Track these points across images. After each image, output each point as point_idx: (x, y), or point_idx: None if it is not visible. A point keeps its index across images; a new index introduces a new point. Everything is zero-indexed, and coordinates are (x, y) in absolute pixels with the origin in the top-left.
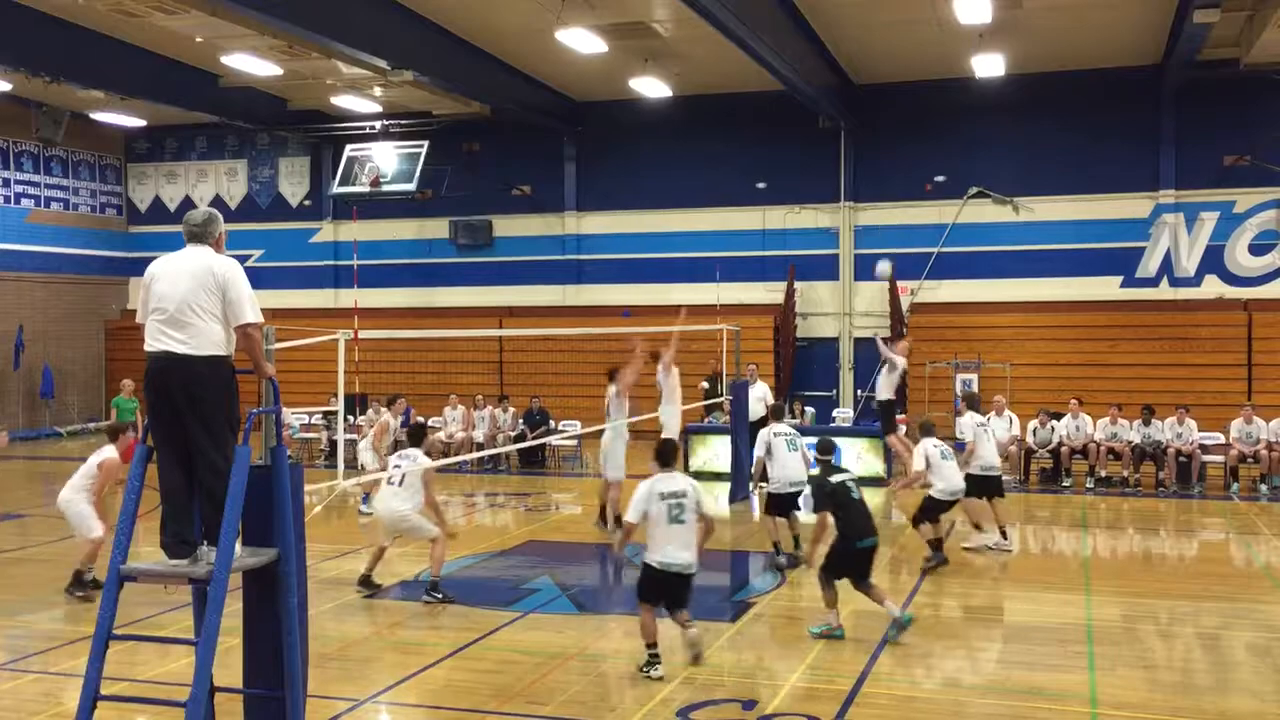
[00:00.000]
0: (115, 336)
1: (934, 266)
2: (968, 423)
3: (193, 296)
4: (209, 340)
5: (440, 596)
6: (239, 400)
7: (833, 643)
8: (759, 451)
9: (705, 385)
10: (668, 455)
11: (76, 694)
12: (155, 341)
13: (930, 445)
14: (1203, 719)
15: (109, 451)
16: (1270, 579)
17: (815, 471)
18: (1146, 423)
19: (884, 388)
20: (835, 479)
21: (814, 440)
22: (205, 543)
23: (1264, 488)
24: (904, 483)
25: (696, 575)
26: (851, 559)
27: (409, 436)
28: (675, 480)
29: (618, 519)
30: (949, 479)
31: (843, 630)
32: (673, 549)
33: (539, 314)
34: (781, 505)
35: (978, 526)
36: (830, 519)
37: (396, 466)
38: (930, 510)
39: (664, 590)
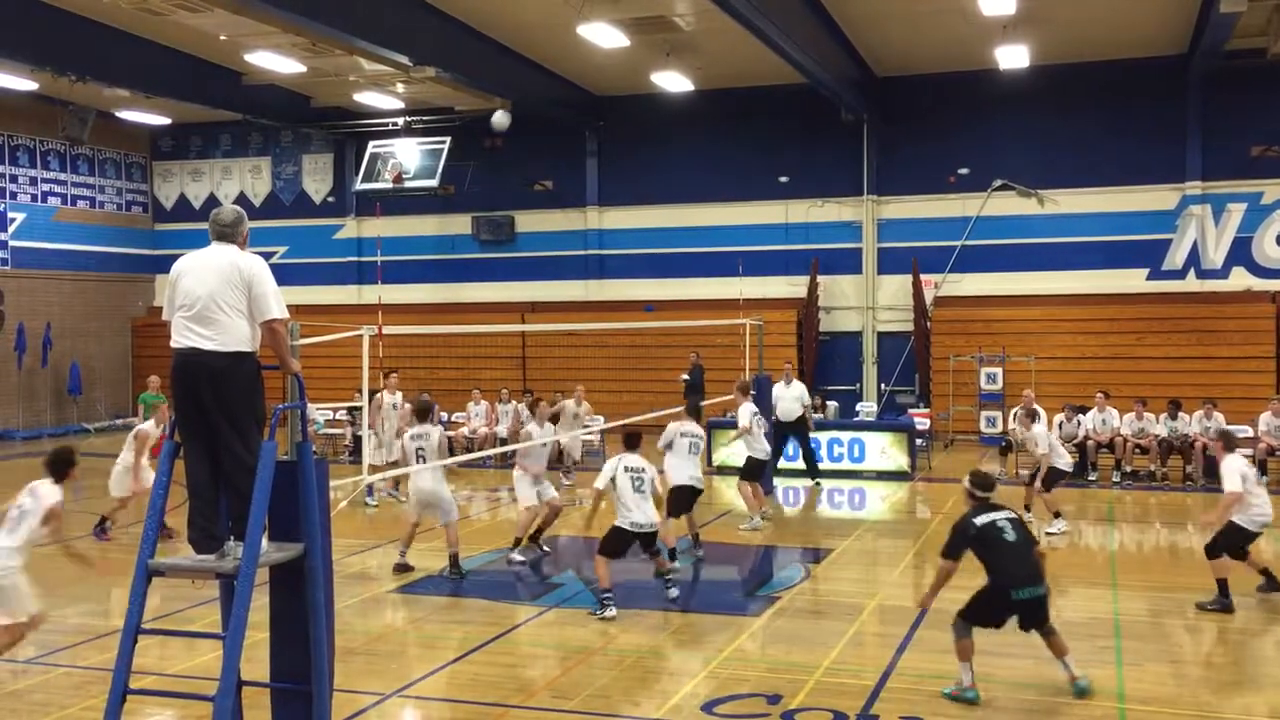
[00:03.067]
0: (141, 334)
1: (958, 260)
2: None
3: (219, 293)
4: (235, 336)
5: (460, 574)
6: (264, 396)
7: (858, 637)
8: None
9: (686, 378)
10: (634, 440)
11: (106, 688)
12: (181, 338)
13: (1243, 464)
14: (1231, 715)
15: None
16: None
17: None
18: (1173, 417)
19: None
20: (982, 519)
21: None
22: (232, 538)
23: None
24: (1217, 513)
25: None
26: (1004, 609)
27: (417, 414)
28: (637, 459)
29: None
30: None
31: (977, 692)
32: (638, 514)
33: (561, 309)
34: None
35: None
36: (952, 566)
37: (419, 449)
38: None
39: (629, 546)
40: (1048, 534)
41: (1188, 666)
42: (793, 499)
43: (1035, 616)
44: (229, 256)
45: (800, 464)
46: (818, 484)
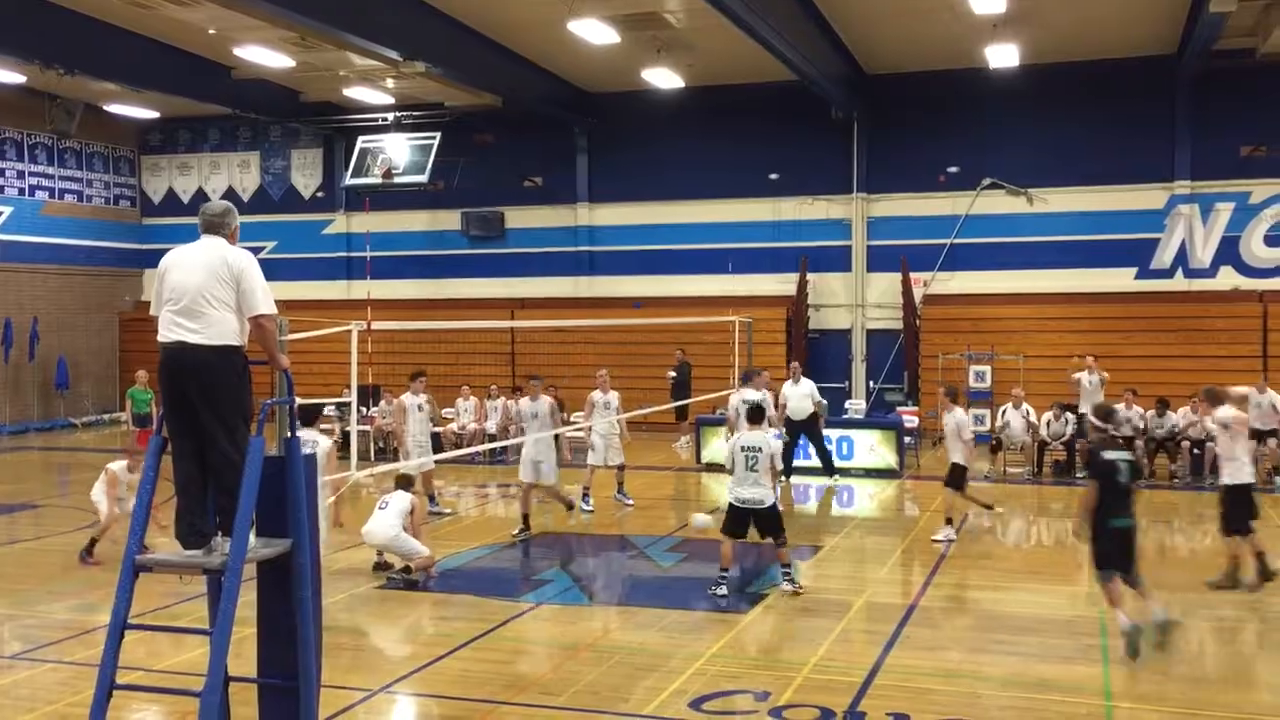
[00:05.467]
0: (129, 328)
1: (947, 258)
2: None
3: (207, 287)
4: (222, 331)
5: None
6: (252, 391)
7: (846, 634)
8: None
9: (673, 375)
10: (757, 415)
11: (92, 683)
12: (169, 332)
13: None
14: (1218, 712)
15: None
16: None
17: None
18: (1160, 414)
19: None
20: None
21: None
22: (220, 533)
23: (1279, 479)
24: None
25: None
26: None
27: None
28: (756, 436)
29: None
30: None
31: (1135, 625)
32: (743, 490)
33: (551, 305)
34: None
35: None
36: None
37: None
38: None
39: (743, 523)
40: (933, 540)
41: (1175, 664)
42: (803, 496)
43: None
44: (217, 251)
45: (814, 461)
46: (835, 481)
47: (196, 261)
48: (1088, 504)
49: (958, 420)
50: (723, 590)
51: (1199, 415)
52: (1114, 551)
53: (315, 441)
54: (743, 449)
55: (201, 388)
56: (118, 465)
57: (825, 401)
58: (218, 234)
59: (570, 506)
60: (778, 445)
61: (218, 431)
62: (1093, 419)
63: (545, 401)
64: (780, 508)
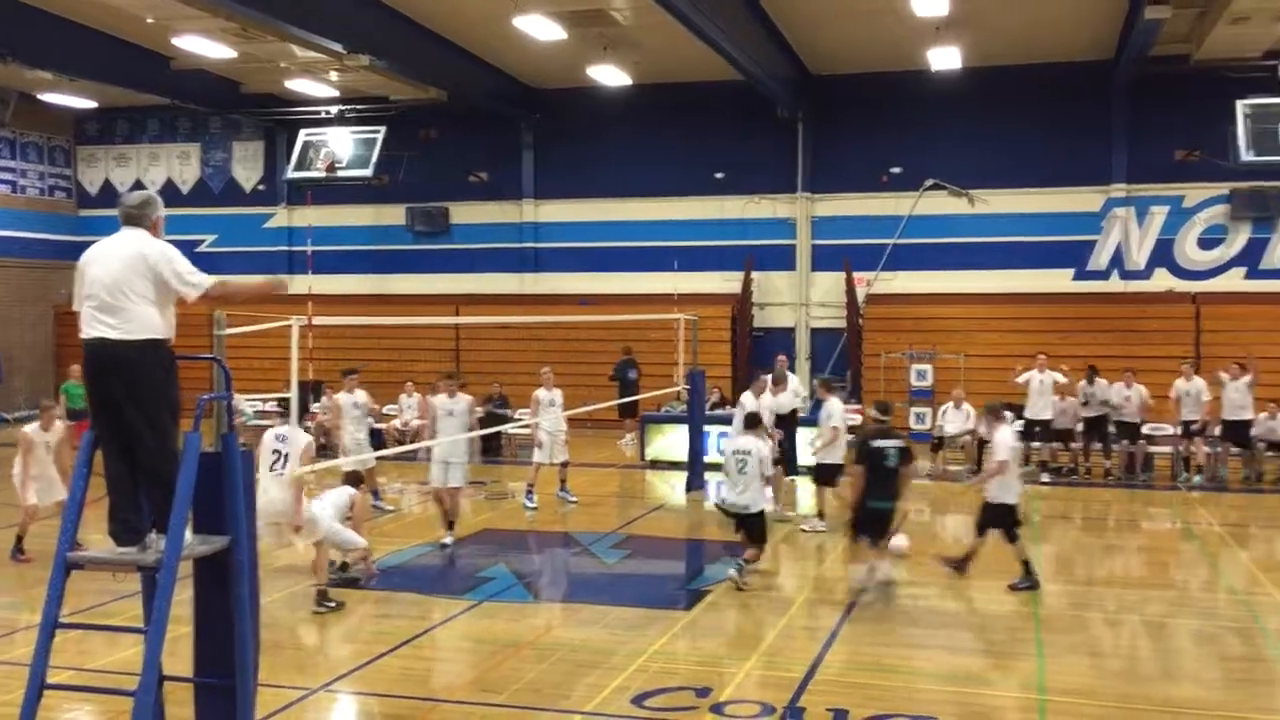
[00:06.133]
0: (64, 321)
1: (890, 258)
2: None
3: (125, 281)
4: (143, 325)
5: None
6: (179, 385)
7: (787, 631)
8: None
9: (614, 378)
10: (753, 421)
11: (23, 683)
12: (89, 328)
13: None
14: (1149, 706)
15: None
16: (1215, 568)
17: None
18: (1090, 382)
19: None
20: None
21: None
22: (155, 530)
23: (1197, 478)
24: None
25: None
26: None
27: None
28: (748, 440)
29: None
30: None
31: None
32: (729, 493)
33: (496, 302)
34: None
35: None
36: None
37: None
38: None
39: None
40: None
41: (1107, 659)
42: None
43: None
44: (135, 244)
45: None
46: (793, 480)
47: (114, 255)
48: (856, 486)
49: (828, 410)
50: (731, 571)
51: (987, 430)
52: (869, 526)
53: (292, 438)
54: (734, 453)
55: (125, 384)
56: (30, 428)
57: (806, 395)
58: (138, 226)
59: (450, 525)
60: (767, 451)
61: (144, 428)
62: (873, 411)
63: (462, 400)
64: (768, 511)
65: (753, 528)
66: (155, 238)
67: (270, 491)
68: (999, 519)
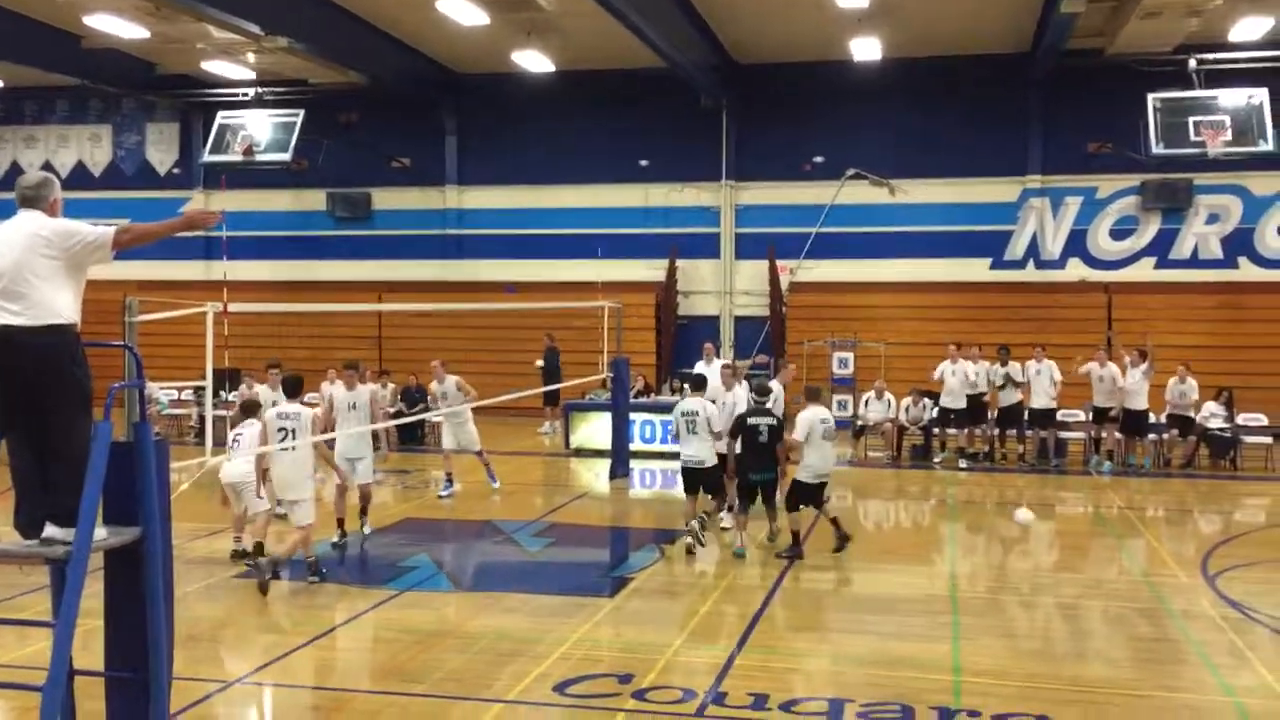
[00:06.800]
0: None
1: (813, 246)
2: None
3: (26, 263)
4: (48, 309)
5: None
6: (89, 371)
7: (709, 616)
8: (799, 435)
9: (541, 365)
10: (699, 383)
11: None
12: None
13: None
14: (1059, 685)
15: None
16: (1124, 550)
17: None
18: (1004, 363)
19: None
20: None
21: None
22: (52, 522)
23: (1107, 464)
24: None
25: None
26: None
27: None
28: (694, 402)
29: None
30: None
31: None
32: (686, 449)
33: (419, 289)
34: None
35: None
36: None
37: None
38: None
39: (692, 482)
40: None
41: (1020, 640)
42: (649, 480)
43: (767, 493)
44: (32, 224)
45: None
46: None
47: (12, 238)
48: (731, 459)
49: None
50: (689, 539)
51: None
52: (751, 495)
53: (299, 413)
54: (682, 414)
55: (30, 371)
56: None
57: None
58: (35, 207)
59: (343, 534)
60: (714, 409)
61: (50, 417)
62: (753, 394)
63: (364, 391)
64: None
65: (708, 481)
66: (54, 217)
67: (283, 462)
68: (808, 496)
